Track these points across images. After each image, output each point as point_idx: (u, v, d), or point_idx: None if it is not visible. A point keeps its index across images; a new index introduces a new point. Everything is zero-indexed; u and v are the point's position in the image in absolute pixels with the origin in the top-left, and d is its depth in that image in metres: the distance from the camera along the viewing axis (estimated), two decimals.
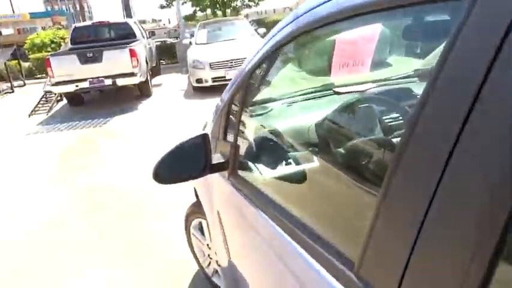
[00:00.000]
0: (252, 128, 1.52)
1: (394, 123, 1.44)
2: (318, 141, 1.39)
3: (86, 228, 3.17)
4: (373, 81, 1.84)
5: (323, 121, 1.41)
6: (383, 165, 1.20)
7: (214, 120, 1.59)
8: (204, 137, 1.25)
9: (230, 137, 1.42)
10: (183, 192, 2.60)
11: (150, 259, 2.61)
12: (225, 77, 7.28)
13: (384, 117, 1.42)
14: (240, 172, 1.31)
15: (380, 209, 0.60)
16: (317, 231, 0.87)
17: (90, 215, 3.41)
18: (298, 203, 1.15)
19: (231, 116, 1.46)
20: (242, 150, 1.37)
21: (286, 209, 1.02)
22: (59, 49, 11.54)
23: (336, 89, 1.80)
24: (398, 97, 1.39)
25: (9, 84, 11.26)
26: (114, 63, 7.35)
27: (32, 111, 7.97)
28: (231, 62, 7.38)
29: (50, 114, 7.91)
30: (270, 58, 1.27)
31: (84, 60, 7.34)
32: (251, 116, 1.58)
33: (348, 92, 1.71)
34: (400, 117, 1.42)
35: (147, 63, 8.30)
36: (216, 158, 1.36)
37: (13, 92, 11.13)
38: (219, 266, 1.89)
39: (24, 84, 11.91)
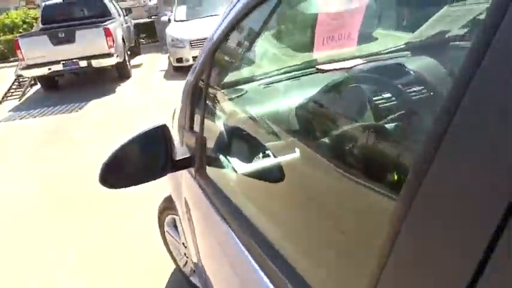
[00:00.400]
0: (223, 114, 1.31)
1: (386, 104, 1.25)
2: (299, 129, 1.19)
3: (54, 223, 2.96)
4: (361, 57, 1.64)
5: (305, 104, 1.20)
6: (376, 156, 1.02)
7: (180, 107, 1.38)
8: (162, 129, 1.04)
9: (197, 127, 1.21)
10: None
11: (124, 255, 2.43)
12: None
13: (375, 98, 1.23)
14: (208, 169, 1.11)
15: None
16: (289, 253, 0.71)
17: (60, 208, 3.19)
18: (273, 208, 0.96)
19: (198, 102, 1.25)
20: (212, 142, 1.16)
21: (252, 222, 0.85)
22: (32, 30, 10.96)
23: (319, 67, 1.59)
24: (390, 74, 1.19)
25: None
26: (89, 44, 6.96)
27: (3, 97, 7.57)
28: None
29: (22, 99, 7.52)
30: (239, 29, 1.06)
31: (56, 41, 6.92)
32: (222, 100, 1.37)
33: (333, 70, 1.51)
34: (393, 98, 1.23)
35: (124, 42, 7.90)
36: (182, 153, 1.15)
37: None
38: (195, 265, 1.72)
39: None
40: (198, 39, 7.17)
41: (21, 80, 8.14)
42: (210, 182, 1.09)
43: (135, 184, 1.05)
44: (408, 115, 1.09)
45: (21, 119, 6.25)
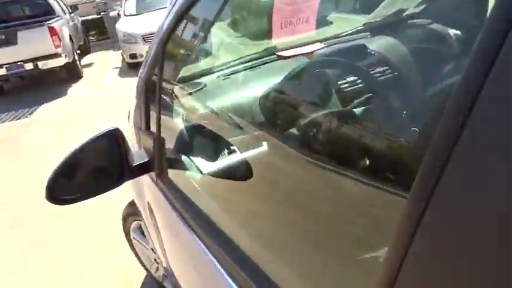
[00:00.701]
0: (181, 111, 1.22)
1: (352, 87, 1.21)
2: (264, 120, 1.13)
3: (7, 245, 2.75)
4: (320, 41, 1.60)
5: (268, 94, 1.14)
6: (347, 143, 0.98)
7: (135, 107, 1.27)
8: (114, 133, 0.93)
9: (154, 127, 1.12)
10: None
11: (93, 262, 2.29)
12: None
13: (340, 82, 1.19)
14: (170, 172, 1.02)
15: None
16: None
17: (12, 228, 2.97)
18: (242, 207, 0.91)
19: (153, 99, 1.15)
20: (172, 142, 1.07)
21: (218, 224, 0.79)
22: None
23: (280, 53, 1.53)
24: (352, 56, 1.15)
25: None
26: (33, 45, 6.53)
27: None
28: None
29: None
30: (190, 19, 0.97)
31: None
32: (180, 96, 1.28)
33: (294, 56, 1.45)
34: (359, 80, 1.20)
35: (72, 41, 7.48)
36: (140, 156, 1.05)
37: None
38: (165, 270, 1.63)
39: None
40: (150, 33, 6.91)
41: None
42: (172, 185, 1.01)
43: (89, 197, 0.95)
44: (375, 97, 1.06)
45: None
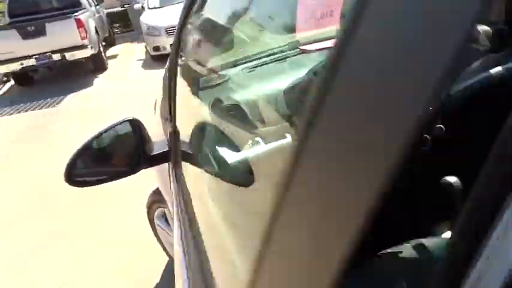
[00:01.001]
0: (204, 104, 1.26)
1: None
2: (289, 114, 1.15)
3: (42, 225, 2.88)
4: None
5: (293, 87, 1.16)
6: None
7: (161, 98, 1.32)
8: (133, 122, 0.98)
9: (176, 118, 1.15)
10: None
11: (116, 249, 2.38)
12: None
13: None
14: (184, 164, 1.04)
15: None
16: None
17: (45, 208, 3.10)
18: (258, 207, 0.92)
19: (178, 90, 1.19)
20: (192, 134, 1.10)
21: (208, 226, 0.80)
22: None
23: (303, 47, 1.54)
24: None
25: None
26: (61, 36, 6.71)
27: None
28: None
29: None
30: (213, 13, 1.00)
31: (26, 35, 6.65)
32: (203, 88, 1.32)
33: (318, 50, 1.47)
34: None
35: (97, 33, 7.65)
36: (159, 147, 1.09)
37: None
38: None
39: None
40: (173, 26, 6.98)
41: None
42: (182, 178, 1.03)
43: (104, 182, 1.00)
44: None
45: None
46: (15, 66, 6.79)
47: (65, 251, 2.53)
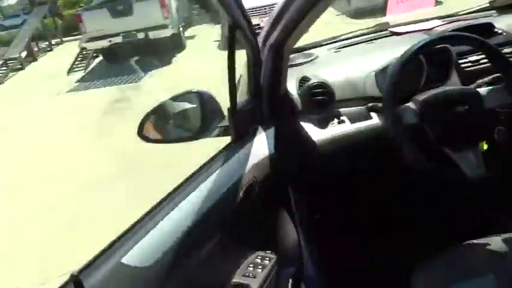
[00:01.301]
0: (290, 81, 1.27)
1: (474, 68, 1.15)
2: (378, 95, 1.14)
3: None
4: (439, 18, 1.52)
5: (385, 69, 1.14)
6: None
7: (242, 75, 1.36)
8: (201, 93, 1.04)
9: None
10: None
11: None
12: (259, 24, 6.84)
13: (463, 61, 1.14)
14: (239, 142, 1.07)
15: None
16: None
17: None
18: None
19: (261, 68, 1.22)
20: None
21: None
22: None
23: (393, 29, 1.49)
24: (478, 34, 1.07)
25: (47, 43, 11.39)
26: (145, 16, 7.14)
27: (69, 69, 8.04)
28: (266, 8, 6.90)
29: (87, 71, 7.94)
30: None
31: (115, 14, 7.17)
32: (290, 65, 1.33)
33: (410, 32, 1.41)
34: (483, 61, 1.13)
35: (178, 14, 7.99)
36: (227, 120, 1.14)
37: (51, 50, 11.27)
38: None
39: (62, 42, 12.01)
40: (250, 8, 7.05)
41: (84, 52, 8.57)
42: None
43: (170, 142, 1.09)
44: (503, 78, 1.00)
45: (86, 89, 6.63)
46: (104, 43, 7.36)
47: None
